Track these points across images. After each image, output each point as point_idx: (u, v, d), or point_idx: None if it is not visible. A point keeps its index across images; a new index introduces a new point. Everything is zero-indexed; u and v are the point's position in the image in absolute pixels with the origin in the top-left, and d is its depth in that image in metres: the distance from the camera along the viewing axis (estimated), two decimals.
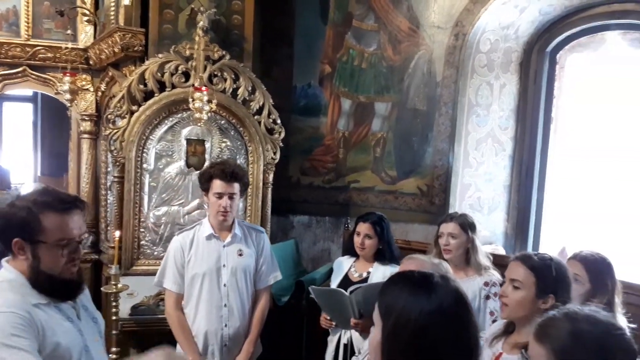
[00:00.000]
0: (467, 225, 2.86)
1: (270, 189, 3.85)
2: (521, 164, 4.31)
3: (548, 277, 1.91)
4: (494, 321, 2.57)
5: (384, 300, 1.22)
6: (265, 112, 3.77)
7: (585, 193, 4.06)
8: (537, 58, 4.21)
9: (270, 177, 3.84)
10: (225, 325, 2.78)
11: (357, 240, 3.06)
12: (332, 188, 4.68)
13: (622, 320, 2.28)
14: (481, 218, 4.19)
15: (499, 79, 4.24)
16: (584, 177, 4.08)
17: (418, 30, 4.27)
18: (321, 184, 4.71)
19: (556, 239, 4.11)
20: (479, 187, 4.31)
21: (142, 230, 3.61)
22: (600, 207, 3.96)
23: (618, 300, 2.35)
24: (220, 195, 2.73)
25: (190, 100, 3.27)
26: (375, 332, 1.22)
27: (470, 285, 2.72)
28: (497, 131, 4.31)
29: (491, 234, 4.33)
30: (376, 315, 1.23)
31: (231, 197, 2.74)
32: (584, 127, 4.09)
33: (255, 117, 3.75)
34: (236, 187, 2.76)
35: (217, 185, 2.72)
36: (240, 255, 2.83)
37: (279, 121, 3.83)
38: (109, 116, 3.55)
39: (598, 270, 2.36)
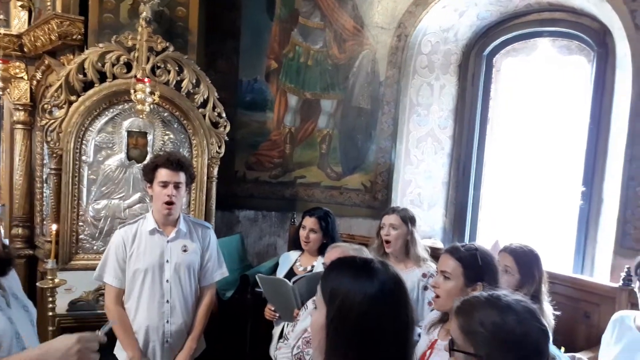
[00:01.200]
0: (407, 218, 2.97)
1: (214, 183, 3.82)
2: (459, 162, 4.49)
3: (475, 266, 2.02)
4: (432, 310, 2.67)
5: (327, 285, 1.26)
6: (209, 105, 3.74)
7: (517, 189, 4.30)
8: (474, 61, 4.40)
9: (215, 171, 3.82)
10: (167, 322, 2.73)
11: (302, 234, 3.12)
12: (279, 183, 4.71)
13: (548, 308, 2.46)
14: (421, 213, 4.34)
15: (439, 80, 4.40)
16: (516, 174, 4.31)
17: (362, 29, 4.36)
18: (267, 179, 4.72)
19: (491, 233, 4.32)
20: (419, 183, 4.46)
21: (80, 224, 3.50)
22: (530, 202, 4.20)
23: (544, 289, 2.52)
24: (165, 184, 2.67)
25: (132, 91, 3.20)
26: (318, 315, 1.26)
27: (409, 277, 2.83)
28: (437, 130, 4.47)
29: (430, 228, 4.49)
30: (319, 300, 1.27)
31: (177, 186, 2.69)
32: (518, 127, 4.32)
33: (200, 110, 3.71)
34: (182, 176, 2.71)
35: (163, 174, 2.67)
36: (185, 251, 2.78)
37: (224, 115, 3.80)
38: (45, 106, 3.40)
39: (526, 261, 2.53)
